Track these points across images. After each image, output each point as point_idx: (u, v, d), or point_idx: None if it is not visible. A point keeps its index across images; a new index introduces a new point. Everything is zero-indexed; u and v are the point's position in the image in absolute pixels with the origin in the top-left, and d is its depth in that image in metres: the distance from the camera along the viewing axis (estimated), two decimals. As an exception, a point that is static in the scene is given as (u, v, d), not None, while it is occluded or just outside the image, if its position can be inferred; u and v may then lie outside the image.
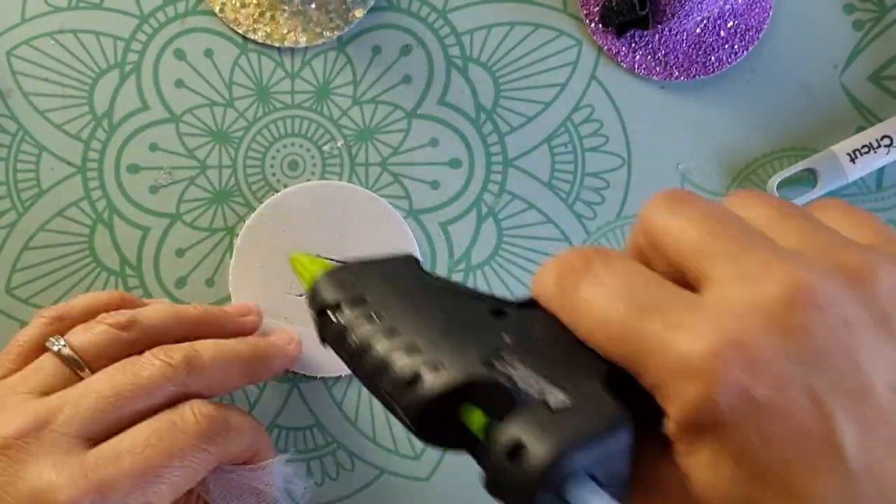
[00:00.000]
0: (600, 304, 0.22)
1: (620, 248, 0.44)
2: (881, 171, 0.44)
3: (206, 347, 0.38)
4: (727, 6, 0.44)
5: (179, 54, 0.46)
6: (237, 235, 0.45)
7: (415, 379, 0.22)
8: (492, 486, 0.20)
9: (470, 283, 0.45)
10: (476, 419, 0.21)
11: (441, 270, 0.45)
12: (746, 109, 0.45)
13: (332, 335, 0.25)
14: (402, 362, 0.22)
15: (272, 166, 0.45)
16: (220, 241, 0.45)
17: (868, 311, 0.20)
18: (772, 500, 0.19)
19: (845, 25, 0.45)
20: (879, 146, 0.43)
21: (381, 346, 0.23)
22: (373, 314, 0.25)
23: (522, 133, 0.45)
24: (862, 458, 0.19)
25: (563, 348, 0.23)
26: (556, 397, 0.21)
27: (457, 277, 0.45)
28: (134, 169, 0.45)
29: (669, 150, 0.45)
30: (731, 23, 0.45)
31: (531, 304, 0.25)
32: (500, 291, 0.45)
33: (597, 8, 0.45)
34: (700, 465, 0.20)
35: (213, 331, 0.40)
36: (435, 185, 0.45)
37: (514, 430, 0.20)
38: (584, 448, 0.20)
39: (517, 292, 0.44)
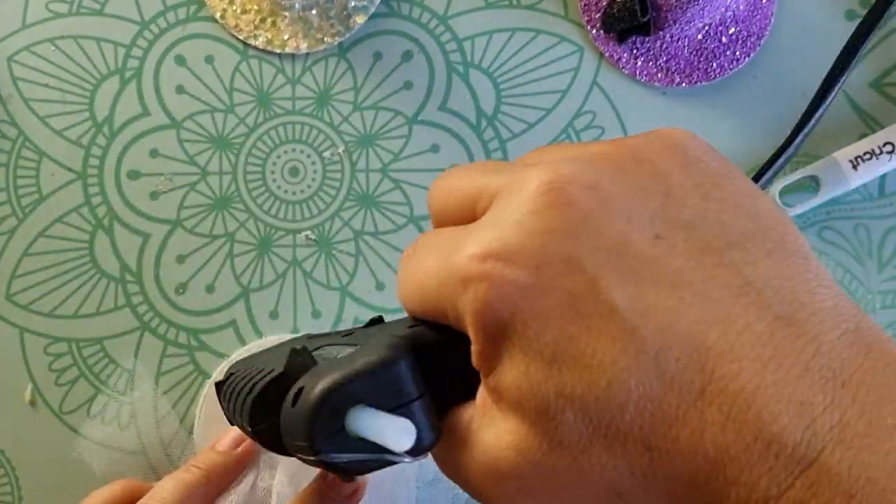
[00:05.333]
0: (413, 271, 0.24)
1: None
2: (883, 177, 0.44)
3: None
4: (728, 12, 0.44)
5: (180, 60, 0.45)
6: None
7: (252, 387, 0.25)
8: (285, 438, 0.22)
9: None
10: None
11: (442, 277, 0.45)
12: (748, 115, 0.45)
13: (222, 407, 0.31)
14: (248, 384, 0.27)
15: (273, 172, 0.45)
16: (220, 247, 0.45)
17: (616, 178, 0.21)
18: (573, 380, 0.20)
19: (847, 32, 0.45)
20: (881, 153, 0.43)
21: (241, 380, 0.28)
22: (240, 371, 0.30)
23: (524, 139, 0.45)
24: (634, 306, 0.19)
25: (382, 332, 0.25)
26: (346, 351, 0.23)
27: (458, 284, 0.45)
28: (134, 175, 0.45)
29: (671, 156, 0.45)
30: (733, 29, 0.45)
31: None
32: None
33: (598, 14, 0.45)
34: (513, 376, 0.21)
35: (225, 483, 0.42)
36: (436, 191, 0.45)
37: (299, 383, 0.22)
38: (356, 380, 0.21)
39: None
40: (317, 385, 0.21)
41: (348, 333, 0.28)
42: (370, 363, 0.22)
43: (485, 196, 0.23)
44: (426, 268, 0.23)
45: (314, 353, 0.24)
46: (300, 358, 0.24)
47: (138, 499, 0.40)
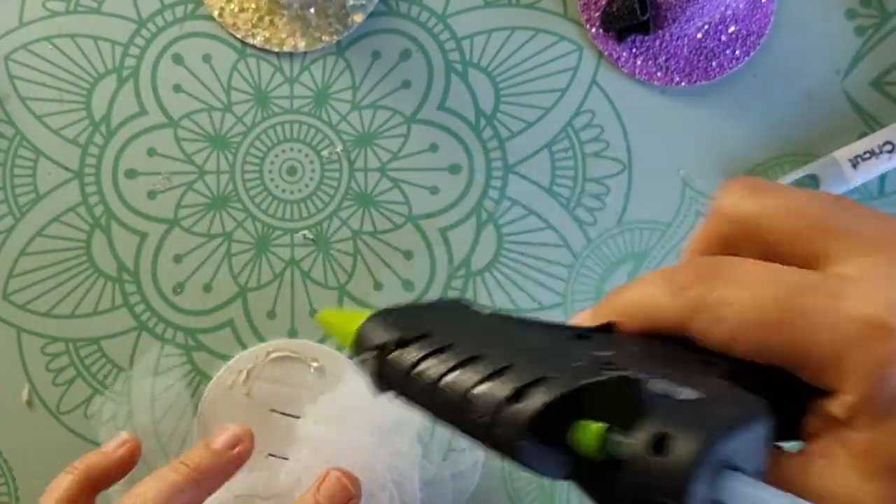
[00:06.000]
0: (748, 297, 0.21)
1: (622, 253, 0.44)
2: (883, 177, 0.44)
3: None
4: (728, 11, 0.44)
5: (178, 59, 0.45)
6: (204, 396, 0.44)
7: (516, 395, 0.20)
8: (633, 487, 0.19)
9: (469, 290, 0.44)
10: (591, 432, 0.19)
11: (440, 277, 0.45)
12: (748, 115, 0.45)
13: (396, 376, 0.22)
14: (497, 383, 0.20)
15: (270, 171, 0.45)
16: (217, 246, 0.45)
17: None
18: None
19: (847, 31, 0.45)
20: (881, 152, 0.43)
21: (465, 374, 0.21)
22: (444, 347, 0.22)
23: (523, 138, 0.45)
24: None
25: (669, 357, 0.22)
26: (687, 392, 0.20)
27: (456, 284, 0.45)
28: (132, 174, 0.45)
29: (670, 155, 0.45)
30: (733, 28, 0.44)
31: (606, 329, 0.24)
32: (500, 298, 0.44)
33: (597, 13, 0.45)
34: (891, 437, 0.19)
35: (215, 485, 0.38)
36: (434, 190, 0.45)
37: (655, 424, 0.18)
38: (730, 437, 0.18)
39: (518, 299, 0.44)
40: (691, 436, 0.18)
41: (581, 335, 0.23)
42: (741, 419, 0.19)
43: (833, 241, 0.21)
44: (772, 298, 0.21)
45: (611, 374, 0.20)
46: (630, 391, 0.19)
47: (97, 485, 0.37)
